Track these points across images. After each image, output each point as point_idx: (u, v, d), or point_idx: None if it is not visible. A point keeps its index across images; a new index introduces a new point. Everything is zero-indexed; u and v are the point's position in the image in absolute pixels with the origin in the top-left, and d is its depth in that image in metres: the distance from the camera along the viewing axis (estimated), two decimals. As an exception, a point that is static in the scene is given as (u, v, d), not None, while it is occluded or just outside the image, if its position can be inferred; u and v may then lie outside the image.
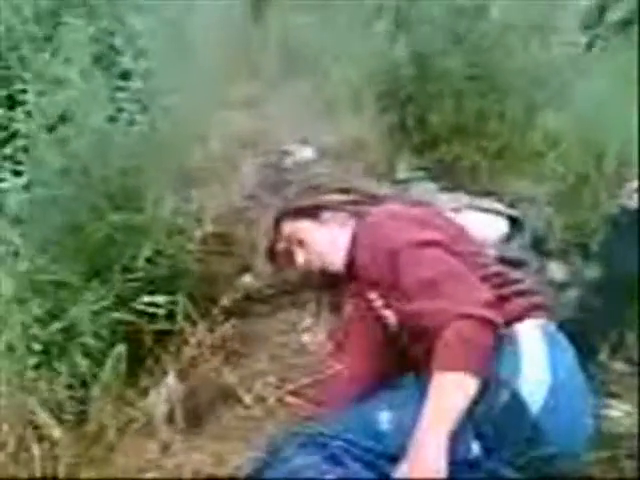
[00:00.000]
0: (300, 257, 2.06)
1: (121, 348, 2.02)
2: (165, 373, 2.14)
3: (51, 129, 2.24)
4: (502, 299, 1.72)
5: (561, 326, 1.78)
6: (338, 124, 3.17)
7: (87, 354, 2.04)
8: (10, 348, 1.97)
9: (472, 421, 1.56)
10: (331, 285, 2.13)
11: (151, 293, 2.18)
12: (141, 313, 2.17)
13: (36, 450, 1.93)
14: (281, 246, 2.11)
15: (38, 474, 1.91)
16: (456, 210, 2.23)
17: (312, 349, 2.29)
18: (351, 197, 2.08)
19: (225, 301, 2.40)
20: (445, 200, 2.55)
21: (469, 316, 1.58)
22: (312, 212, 2.05)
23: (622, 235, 2.31)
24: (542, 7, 3.56)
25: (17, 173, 2.19)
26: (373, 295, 1.87)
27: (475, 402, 1.55)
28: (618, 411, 2.20)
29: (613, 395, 2.27)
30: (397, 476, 1.53)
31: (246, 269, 2.58)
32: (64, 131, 2.23)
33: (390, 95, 3.34)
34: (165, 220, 2.34)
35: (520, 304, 1.76)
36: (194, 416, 2.09)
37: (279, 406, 2.10)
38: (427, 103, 3.35)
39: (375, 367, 1.94)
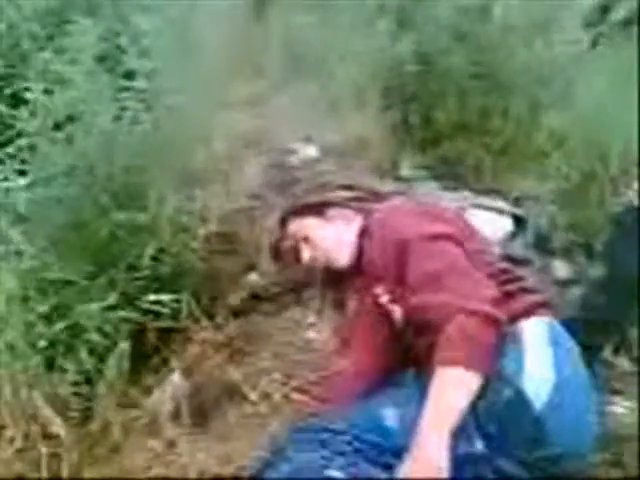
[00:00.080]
0: (306, 254, 2.06)
1: (124, 345, 2.03)
2: (170, 371, 2.14)
3: (56, 128, 2.24)
4: (507, 296, 1.72)
5: (565, 324, 1.78)
6: (342, 122, 3.17)
7: (92, 352, 2.04)
8: (15, 346, 1.98)
9: (475, 418, 1.56)
10: (335, 282, 2.13)
11: (156, 291, 2.19)
12: (146, 311, 2.17)
13: (42, 447, 1.94)
14: (287, 244, 2.11)
15: (44, 471, 1.91)
16: (461, 209, 2.23)
17: (317, 346, 2.29)
18: (356, 194, 2.08)
19: (232, 300, 2.41)
20: (449, 199, 2.55)
21: (474, 312, 1.58)
22: (318, 209, 2.05)
23: (626, 234, 2.31)
24: (546, 6, 3.56)
25: (21, 172, 2.20)
26: (379, 290, 1.87)
27: (478, 399, 1.55)
28: (621, 408, 2.20)
29: (616, 392, 2.27)
30: (399, 474, 1.53)
31: (250, 268, 2.58)
32: (69, 130, 2.24)
33: (393, 93, 3.34)
34: (169, 219, 2.35)
35: (525, 302, 1.75)
36: (199, 413, 2.09)
37: (284, 403, 2.11)
38: (431, 101, 3.35)
39: (380, 363, 1.94)
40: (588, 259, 2.74)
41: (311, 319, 2.38)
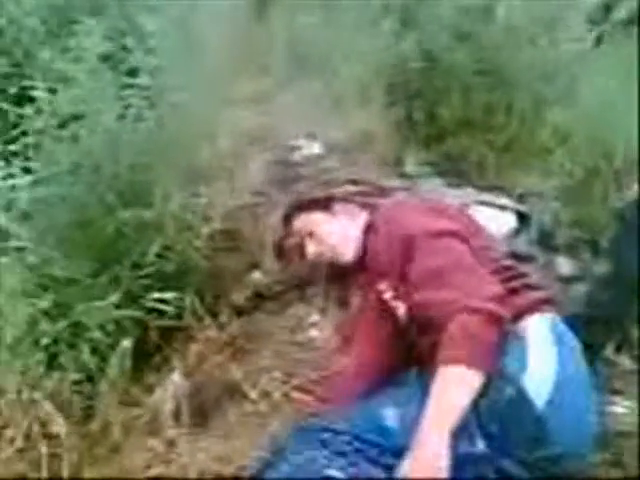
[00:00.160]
0: (311, 249, 2.06)
1: (127, 344, 2.03)
2: (171, 370, 2.15)
3: (61, 126, 2.25)
4: (511, 293, 1.72)
5: (568, 321, 1.78)
6: (346, 119, 3.17)
7: (94, 350, 2.05)
8: (17, 343, 1.98)
9: (477, 416, 1.56)
10: (339, 279, 2.13)
11: (159, 290, 2.19)
12: (149, 310, 2.18)
13: (43, 447, 1.95)
14: (291, 241, 2.12)
15: (44, 471, 1.92)
16: (464, 205, 2.23)
17: (318, 345, 2.29)
18: (361, 189, 2.08)
19: (235, 298, 2.41)
20: (453, 195, 2.55)
21: (476, 310, 1.58)
22: (323, 204, 2.06)
23: (629, 230, 2.31)
24: (549, 5, 3.55)
25: (26, 170, 2.21)
26: (383, 286, 1.87)
27: (480, 397, 1.55)
28: (622, 407, 2.20)
29: (617, 392, 2.27)
30: (399, 474, 1.54)
31: (254, 266, 2.58)
32: (74, 128, 2.24)
33: (398, 89, 3.34)
34: (174, 216, 2.35)
35: (528, 298, 1.75)
36: (200, 412, 2.10)
37: (285, 401, 2.11)
38: (435, 97, 3.35)
39: (383, 358, 1.94)
40: (592, 255, 2.74)
41: (314, 317, 2.38)
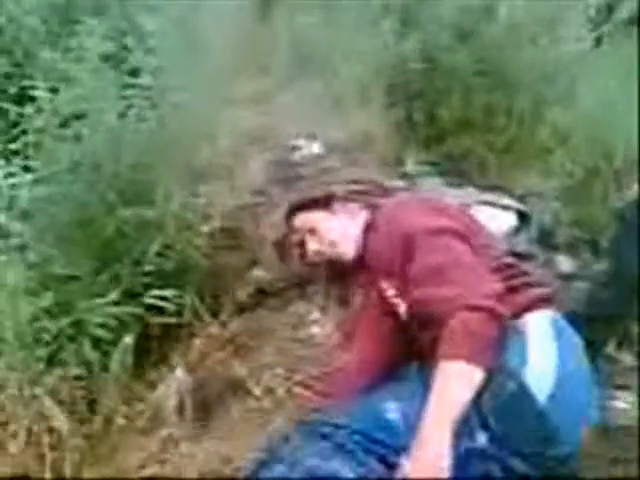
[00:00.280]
0: (311, 247, 2.07)
1: (128, 340, 2.03)
2: (173, 366, 2.15)
3: (62, 125, 2.26)
4: (511, 290, 1.72)
5: (569, 318, 1.79)
6: (346, 119, 3.18)
7: (96, 347, 2.05)
8: (19, 340, 1.98)
9: (478, 411, 1.56)
10: (339, 277, 2.14)
11: (160, 288, 2.19)
12: (150, 307, 2.18)
13: (46, 443, 1.95)
14: (292, 240, 2.12)
15: (48, 467, 1.91)
16: (465, 205, 2.23)
17: (320, 341, 2.30)
18: (362, 187, 2.09)
19: (239, 296, 2.41)
20: (454, 195, 2.55)
21: (477, 308, 1.59)
22: (324, 202, 2.06)
23: (628, 230, 2.31)
24: (550, 6, 3.56)
25: (27, 169, 2.21)
26: (385, 284, 1.88)
27: (481, 392, 1.56)
28: (623, 403, 2.20)
29: (620, 387, 2.27)
30: (400, 474, 1.54)
31: (254, 264, 2.58)
32: (76, 127, 2.25)
33: (398, 90, 3.35)
34: (174, 215, 2.35)
35: (528, 296, 1.76)
36: (203, 409, 2.10)
37: (287, 397, 2.11)
38: (435, 98, 3.35)
39: (385, 354, 1.95)
40: (592, 255, 2.75)
41: (315, 314, 2.38)
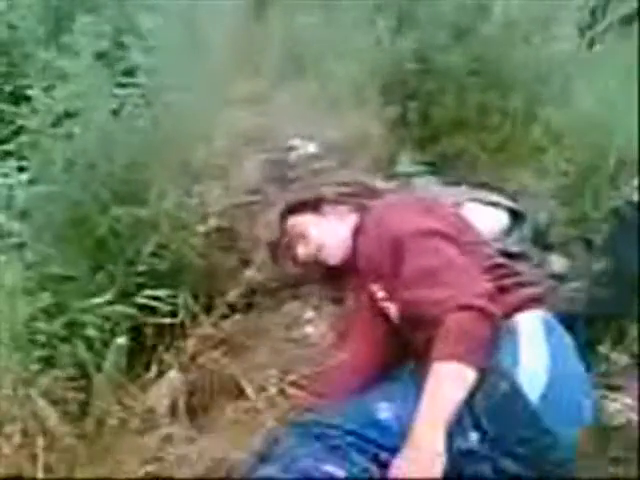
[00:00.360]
0: (301, 250, 2.08)
1: (122, 340, 2.03)
2: (167, 366, 2.15)
3: (55, 124, 2.25)
4: (503, 290, 1.73)
5: (560, 318, 1.79)
6: (341, 119, 3.17)
7: (89, 347, 2.04)
8: (15, 340, 1.98)
9: (470, 411, 1.57)
10: (333, 280, 2.14)
11: (154, 287, 2.19)
12: (144, 307, 2.18)
13: (40, 444, 1.94)
14: (284, 241, 2.13)
15: (40, 468, 1.91)
16: (457, 203, 2.24)
17: (314, 341, 2.29)
18: (351, 190, 2.10)
19: (231, 296, 2.41)
20: (446, 193, 2.55)
21: (469, 307, 1.60)
22: (313, 205, 2.07)
23: (625, 228, 2.32)
24: (545, 5, 3.56)
25: (22, 169, 2.21)
26: (375, 288, 1.89)
27: (473, 393, 1.56)
28: (619, 404, 2.20)
29: (615, 388, 2.27)
30: (392, 473, 1.54)
31: (248, 264, 2.58)
32: (68, 126, 2.25)
33: (392, 90, 3.34)
34: (169, 214, 2.35)
35: (520, 296, 1.77)
36: (197, 408, 2.10)
37: (281, 397, 2.11)
38: (429, 97, 3.35)
39: (377, 357, 1.96)
40: (586, 253, 2.74)
41: (309, 314, 2.38)
